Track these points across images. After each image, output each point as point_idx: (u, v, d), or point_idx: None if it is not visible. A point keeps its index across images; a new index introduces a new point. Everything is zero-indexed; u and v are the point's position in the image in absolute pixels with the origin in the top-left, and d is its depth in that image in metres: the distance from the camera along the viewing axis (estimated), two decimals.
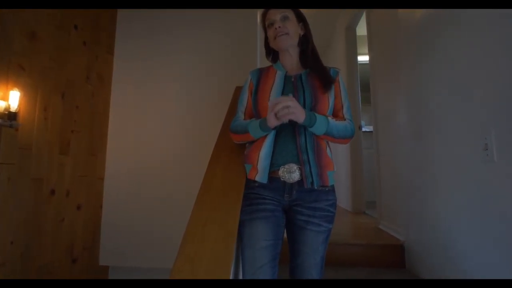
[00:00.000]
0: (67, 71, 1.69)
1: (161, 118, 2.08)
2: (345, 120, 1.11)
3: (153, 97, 2.10)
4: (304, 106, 1.05)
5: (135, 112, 2.10)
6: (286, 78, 1.14)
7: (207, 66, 2.11)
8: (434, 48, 1.55)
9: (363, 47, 3.39)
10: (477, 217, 1.24)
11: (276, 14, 1.14)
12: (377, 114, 2.43)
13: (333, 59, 4.01)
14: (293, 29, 1.14)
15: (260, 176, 1.06)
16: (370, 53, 2.54)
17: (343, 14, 3.46)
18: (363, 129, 3.35)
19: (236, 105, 1.24)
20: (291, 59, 1.19)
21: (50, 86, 1.57)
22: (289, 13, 1.15)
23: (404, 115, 1.92)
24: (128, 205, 2.01)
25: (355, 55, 3.30)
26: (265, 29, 1.22)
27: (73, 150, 1.73)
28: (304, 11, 1.24)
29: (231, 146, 1.29)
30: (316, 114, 1.04)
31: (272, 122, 1.00)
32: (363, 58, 3.48)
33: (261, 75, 1.19)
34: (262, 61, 2.21)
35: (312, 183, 1.03)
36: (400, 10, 1.92)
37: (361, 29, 3.29)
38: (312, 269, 1.06)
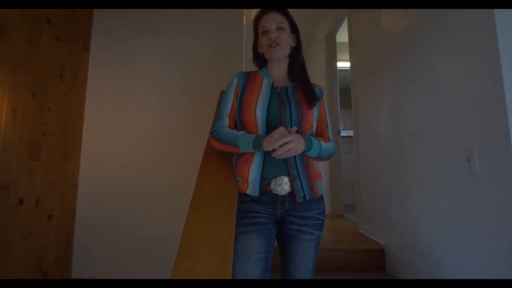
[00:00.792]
0: (39, 69, 1.55)
1: (140, 120, 1.98)
2: (329, 141, 1.16)
3: (131, 97, 1.99)
4: (290, 120, 1.07)
5: (111, 113, 1.98)
6: (273, 88, 1.13)
7: (189, 68, 2.04)
8: (416, 60, 1.62)
9: (341, 53, 3.49)
10: (458, 223, 1.30)
11: (272, 23, 1.13)
12: (358, 119, 2.50)
13: (312, 65, 4.08)
14: (287, 41, 1.15)
15: (251, 189, 1.06)
16: (351, 60, 2.61)
17: (323, 22, 3.53)
18: (341, 134, 3.43)
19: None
20: (279, 70, 1.19)
21: (20, 85, 1.43)
22: (285, 23, 1.15)
23: (386, 122, 1.99)
24: (103, 213, 1.89)
25: (335, 61, 3.38)
26: (256, 33, 1.20)
27: (44, 154, 1.59)
28: None
29: (220, 154, 1.25)
30: (312, 139, 1.07)
31: (268, 148, 1.00)
32: (341, 64, 3.60)
33: (247, 80, 1.17)
34: (247, 64, 2.19)
35: (304, 197, 1.07)
36: (384, 18, 1.99)
37: (340, 36, 3.39)
38: (305, 276, 1.09)
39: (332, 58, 3.36)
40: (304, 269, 1.09)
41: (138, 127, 1.97)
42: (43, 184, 1.58)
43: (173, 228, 1.85)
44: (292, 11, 1.20)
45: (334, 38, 3.39)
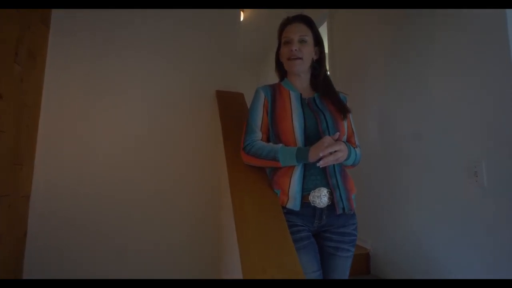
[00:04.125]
0: None
1: (112, 114, 1.64)
2: (357, 147, 1.19)
3: (101, 85, 1.64)
4: (327, 129, 1.07)
5: (75, 105, 1.60)
6: (302, 100, 1.14)
7: (175, 59, 1.78)
8: (416, 68, 1.71)
9: None
10: (458, 230, 1.42)
11: (296, 34, 1.13)
12: None
13: None
14: (308, 54, 1.14)
15: (292, 203, 1.03)
16: (331, 70, 2.67)
17: None
18: None
19: (240, 118, 1.21)
20: (301, 81, 1.19)
21: None
22: (308, 35, 1.14)
23: (373, 128, 2.08)
24: (60, 231, 1.50)
25: None
26: (279, 42, 1.20)
27: None
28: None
29: (249, 167, 1.15)
30: (351, 147, 1.09)
31: (315, 158, 0.99)
32: None
33: (274, 94, 1.15)
34: (243, 63, 2.03)
35: (343, 208, 1.06)
36: (372, 27, 2.07)
37: None
38: None
39: None
40: None
41: (109, 123, 1.64)
42: None
43: (155, 245, 1.59)
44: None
45: None
